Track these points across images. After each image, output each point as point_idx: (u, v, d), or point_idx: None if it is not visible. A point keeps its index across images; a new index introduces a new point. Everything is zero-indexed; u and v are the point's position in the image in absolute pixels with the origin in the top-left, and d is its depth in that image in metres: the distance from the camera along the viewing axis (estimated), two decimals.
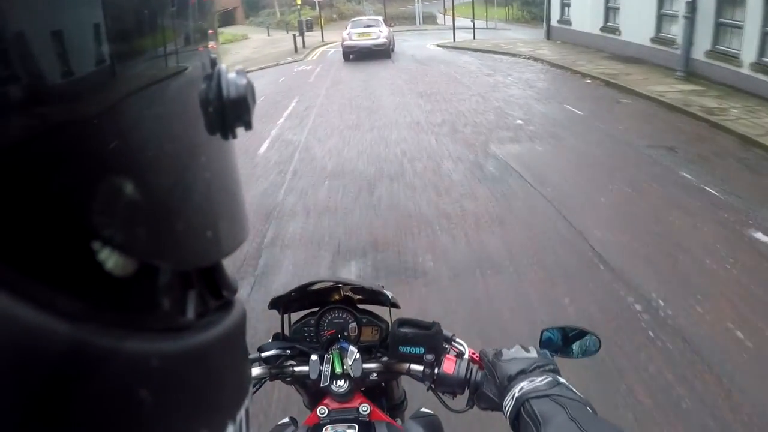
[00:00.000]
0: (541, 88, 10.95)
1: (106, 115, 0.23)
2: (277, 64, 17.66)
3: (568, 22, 17.73)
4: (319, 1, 25.94)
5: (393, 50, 18.26)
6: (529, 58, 15.34)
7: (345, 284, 1.20)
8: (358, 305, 1.21)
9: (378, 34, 17.42)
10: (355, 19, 20.49)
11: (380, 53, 17.19)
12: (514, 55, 16.04)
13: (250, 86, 0.32)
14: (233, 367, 0.35)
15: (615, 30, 14.45)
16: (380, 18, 20.55)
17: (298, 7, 25.50)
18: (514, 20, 31.13)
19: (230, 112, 0.31)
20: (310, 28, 27.86)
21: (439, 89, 11.13)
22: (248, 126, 0.32)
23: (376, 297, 1.19)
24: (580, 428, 0.71)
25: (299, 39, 21.47)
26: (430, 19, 32.04)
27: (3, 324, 0.19)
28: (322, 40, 23.90)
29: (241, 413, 0.34)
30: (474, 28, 21.63)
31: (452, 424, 1.26)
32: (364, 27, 17.85)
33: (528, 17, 30.87)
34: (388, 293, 1.15)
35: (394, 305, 1.16)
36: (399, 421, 1.19)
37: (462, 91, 10.82)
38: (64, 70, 0.21)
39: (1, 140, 0.19)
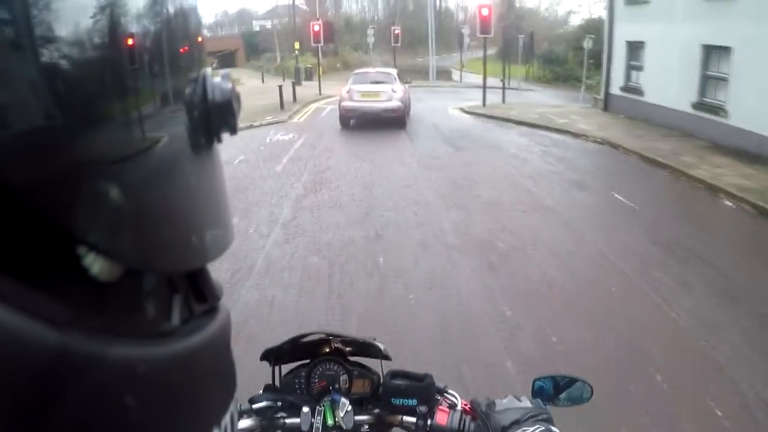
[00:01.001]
0: (694, 235, 5.39)
1: (91, 129, 0.23)
2: (251, 126, 11.91)
3: (638, 92, 12.73)
4: (320, 47, 20.16)
5: (408, 115, 12.38)
6: (601, 143, 10.04)
7: (336, 336, 1.12)
8: (349, 357, 1.15)
9: (390, 94, 11.60)
10: (360, 71, 13.83)
11: (392, 121, 11.44)
12: (576, 136, 10.77)
13: (234, 91, 0.31)
14: (218, 372, 0.33)
15: (718, 110, 9.46)
16: (393, 72, 13.32)
17: (296, 52, 20.27)
18: (535, 80, 25.91)
19: (215, 116, 0.30)
20: (309, 77, 22.46)
21: (512, 228, 5.40)
22: (233, 130, 0.31)
23: (368, 349, 1.14)
24: None
25: (289, 90, 15.77)
26: (444, 74, 26.64)
27: None
28: (319, 93, 18.18)
29: (227, 419, 0.33)
30: (504, 89, 16.12)
31: None
32: (372, 83, 11.94)
33: (550, 77, 25.74)
34: (380, 345, 1.10)
35: (386, 357, 1.11)
36: None
37: (564, 238, 5.11)
38: (64, 108, 0.21)
39: None
